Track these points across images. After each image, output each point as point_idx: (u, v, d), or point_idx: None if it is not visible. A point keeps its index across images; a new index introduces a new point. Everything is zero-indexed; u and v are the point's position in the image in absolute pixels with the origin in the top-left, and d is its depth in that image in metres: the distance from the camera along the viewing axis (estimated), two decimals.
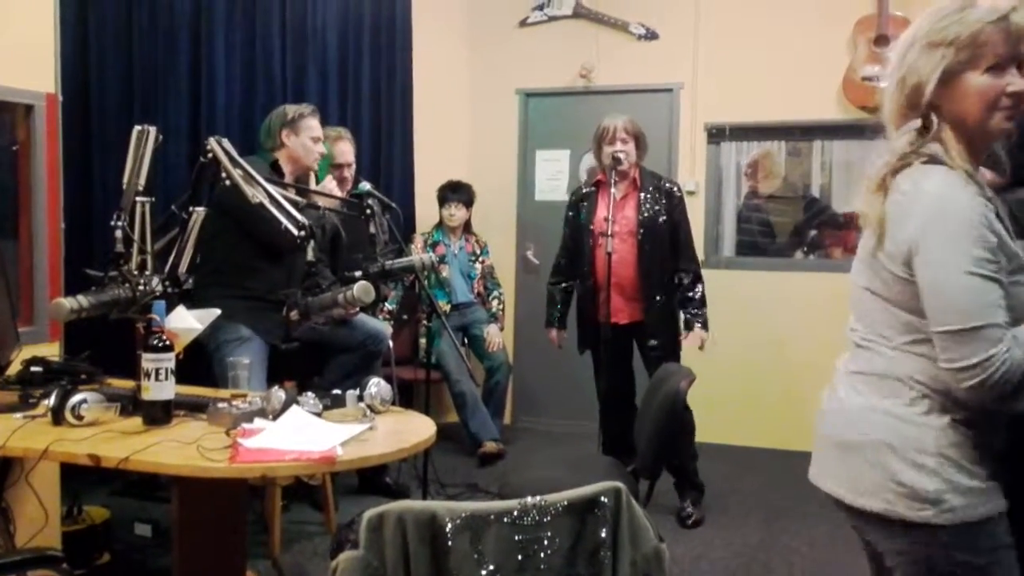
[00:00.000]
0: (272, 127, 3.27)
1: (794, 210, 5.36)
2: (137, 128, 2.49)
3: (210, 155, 2.42)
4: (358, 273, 2.59)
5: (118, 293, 2.22)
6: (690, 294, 3.75)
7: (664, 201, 3.73)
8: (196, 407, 2.31)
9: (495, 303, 5.06)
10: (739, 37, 5.07)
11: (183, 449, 2.00)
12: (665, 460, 2.89)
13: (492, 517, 1.52)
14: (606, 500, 1.58)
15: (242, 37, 4.04)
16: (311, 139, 3.26)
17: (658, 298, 3.72)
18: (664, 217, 3.72)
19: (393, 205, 3.17)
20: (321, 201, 3.27)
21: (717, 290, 4.99)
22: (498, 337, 4.95)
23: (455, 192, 4.98)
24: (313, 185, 3.49)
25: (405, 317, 4.64)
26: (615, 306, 3.66)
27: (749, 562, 3.42)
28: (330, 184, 3.56)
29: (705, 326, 3.75)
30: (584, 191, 3.92)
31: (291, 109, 3.29)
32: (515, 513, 1.53)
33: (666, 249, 3.74)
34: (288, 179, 3.26)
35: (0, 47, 2.71)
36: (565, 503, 1.56)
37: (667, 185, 3.80)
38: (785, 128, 5.20)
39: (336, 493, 3.73)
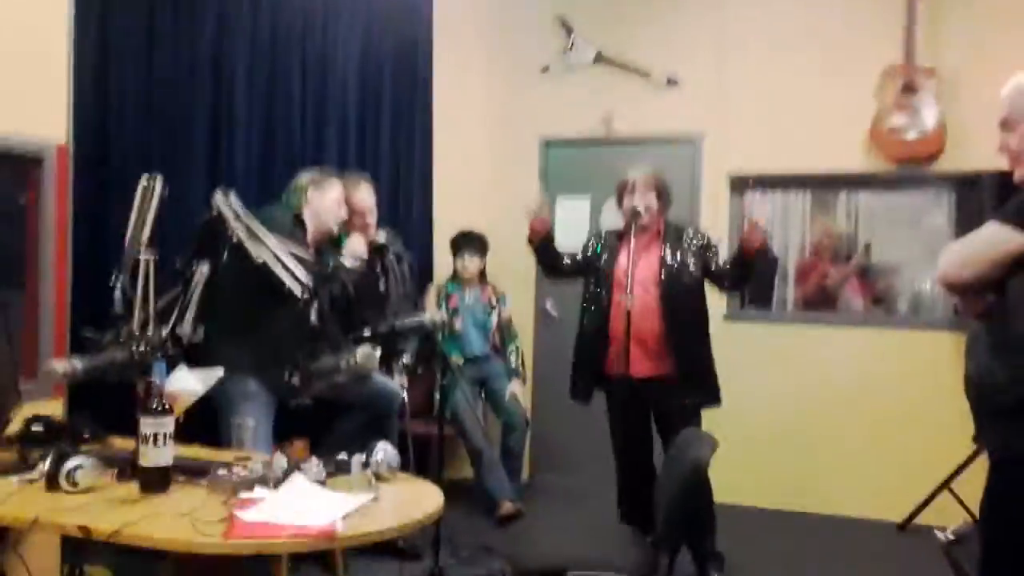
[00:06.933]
0: (300, 184, 3.42)
1: (821, 263, 5.24)
2: (144, 180, 2.45)
3: (216, 212, 2.37)
4: (366, 332, 2.50)
5: (115, 356, 2.15)
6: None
7: (693, 253, 3.58)
8: (196, 472, 2.23)
9: (512, 357, 4.87)
10: (763, 85, 4.99)
11: (177, 521, 1.92)
12: (686, 532, 2.73)
13: None
14: None
15: (262, 88, 4.02)
16: (334, 200, 3.41)
17: (691, 353, 3.51)
18: (692, 267, 3.56)
19: (411, 261, 3.12)
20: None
21: (738, 344, 4.88)
22: (520, 392, 4.78)
23: (467, 242, 4.88)
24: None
25: (419, 371, 4.48)
26: (634, 359, 3.42)
27: None
28: (355, 242, 3.53)
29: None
30: (606, 233, 3.79)
31: (318, 171, 3.50)
32: None
33: (697, 299, 3.58)
34: (310, 237, 3.33)
35: (10, 94, 2.67)
36: None
37: (699, 235, 3.67)
38: (810, 179, 5.09)
39: (346, 554, 3.60)
